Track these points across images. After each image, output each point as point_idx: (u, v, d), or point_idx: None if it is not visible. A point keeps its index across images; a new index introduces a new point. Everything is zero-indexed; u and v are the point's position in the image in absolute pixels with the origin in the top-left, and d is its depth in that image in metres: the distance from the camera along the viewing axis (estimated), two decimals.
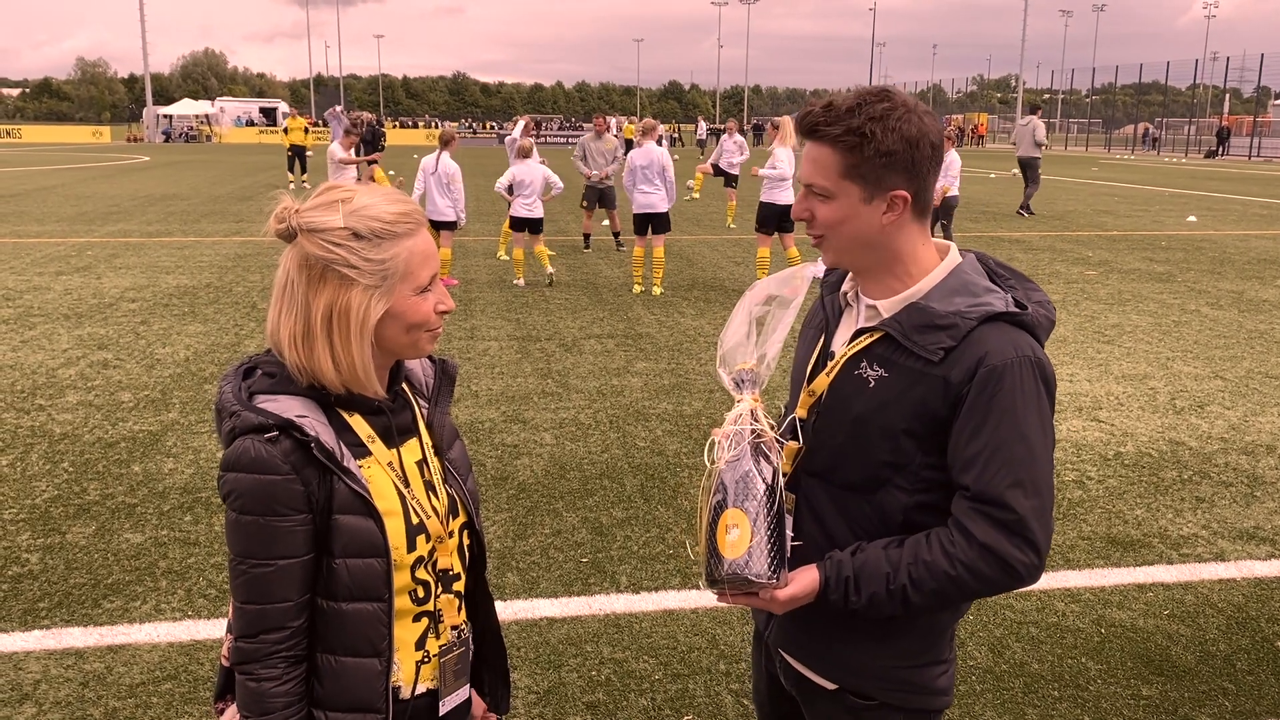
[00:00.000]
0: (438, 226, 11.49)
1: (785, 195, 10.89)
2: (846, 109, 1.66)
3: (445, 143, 11.64)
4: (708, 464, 1.76)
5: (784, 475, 1.84)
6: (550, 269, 11.67)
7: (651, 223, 11.44)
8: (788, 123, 11.19)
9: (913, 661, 1.81)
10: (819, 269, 1.97)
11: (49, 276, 11.78)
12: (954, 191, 13.75)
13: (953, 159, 13.82)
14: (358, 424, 1.62)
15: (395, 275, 1.56)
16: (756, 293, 1.85)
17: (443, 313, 1.65)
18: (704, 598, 4.11)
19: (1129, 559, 4.64)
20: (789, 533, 1.78)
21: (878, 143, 1.64)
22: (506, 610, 4.06)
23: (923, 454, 1.70)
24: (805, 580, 1.73)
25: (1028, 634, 3.97)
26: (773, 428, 1.78)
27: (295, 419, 1.53)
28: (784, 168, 10.83)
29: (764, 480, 1.70)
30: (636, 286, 11.28)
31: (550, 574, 4.39)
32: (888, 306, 1.75)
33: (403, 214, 1.58)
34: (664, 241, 11.52)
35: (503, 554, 4.57)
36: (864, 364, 1.74)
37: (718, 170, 18.99)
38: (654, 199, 11.37)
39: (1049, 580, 4.40)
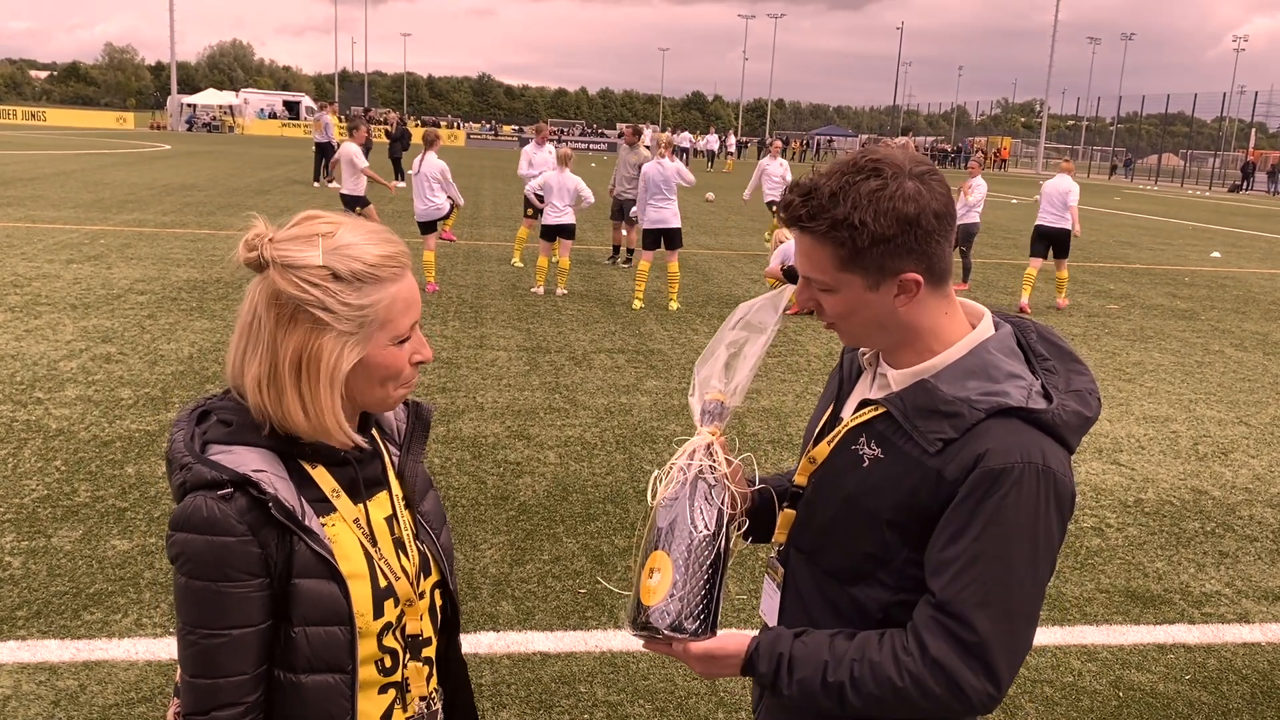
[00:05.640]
0: (421, 229, 11.40)
1: None
2: (830, 195, 1.45)
3: (429, 143, 11.51)
4: (648, 502, 1.62)
5: (779, 546, 1.70)
6: (562, 289, 11.59)
7: (664, 238, 11.32)
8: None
9: None
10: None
11: (59, 264, 11.70)
12: (975, 218, 13.58)
13: (979, 185, 13.67)
14: (321, 477, 1.47)
15: (374, 323, 1.42)
16: (733, 318, 1.70)
17: (419, 363, 1.50)
18: None
19: (1149, 616, 4.46)
20: (774, 609, 1.61)
21: (870, 231, 1.44)
22: (500, 642, 3.91)
23: (908, 549, 1.51)
24: (730, 641, 1.55)
25: (1042, 694, 3.79)
26: (729, 463, 1.62)
27: (252, 474, 1.38)
28: None
29: (701, 524, 1.55)
30: (637, 301, 11.16)
31: (546, 604, 4.23)
32: (898, 379, 1.56)
33: (388, 256, 1.44)
34: (677, 256, 11.42)
35: (498, 580, 4.42)
36: (862, 439, 1.57)
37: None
38: (667, 214, 11.25)
39: (1066, 635, 4.23)
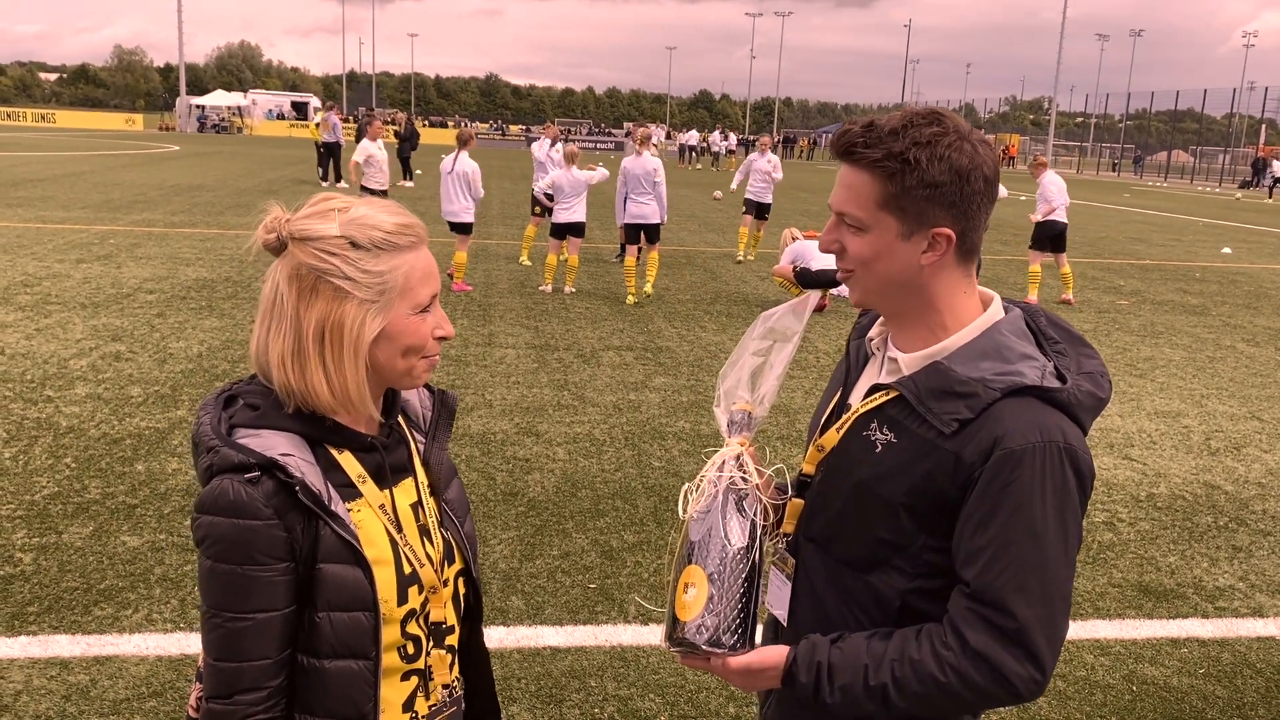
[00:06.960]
0: (454, 229, 11.42)
1: None
2: (890, 131, 1.46)
3: (463, 142, 11.52)
4: (680, 516, 1.61)
5: (787, 536, 1.67)
6: (570, 287, 11.61)
7: (644, 232, 11.41)
8: None
9: None
10: (821, 298, 1.77)
11: (69, 264, 11.73)
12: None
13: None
14: (348, 462, 1.47)
15: (393, 290, 1.43)
16: (757, 327, 1.69)
17: (441, 338, 1.50)
18: None
19: (1162, 610, 4.43)
20: (784, 601, 1.60)
21: (922, 171, 1.44)
22: (510, 637, 3.90)
23: (925, 534, 1.50)
24: (769, 654, 1.53)
25: (1054, 688, 3.77)
26: (760, 474, 1.61)
27: (279, 458, 1.38)
28: None
29: (735, 538, 1.53)
30: (630, 297, 11.22)
31: (556, 599, 4.22)
32: (909, 362, 1.55)
33: (404, 225, 1.45)
34: (658, 248, 11.60)
35: (508, 575, 4.41)
36: (874, 425, 1.55)
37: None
38: (646, 209, 11.32)
39: (1078, 630, 4.20)
